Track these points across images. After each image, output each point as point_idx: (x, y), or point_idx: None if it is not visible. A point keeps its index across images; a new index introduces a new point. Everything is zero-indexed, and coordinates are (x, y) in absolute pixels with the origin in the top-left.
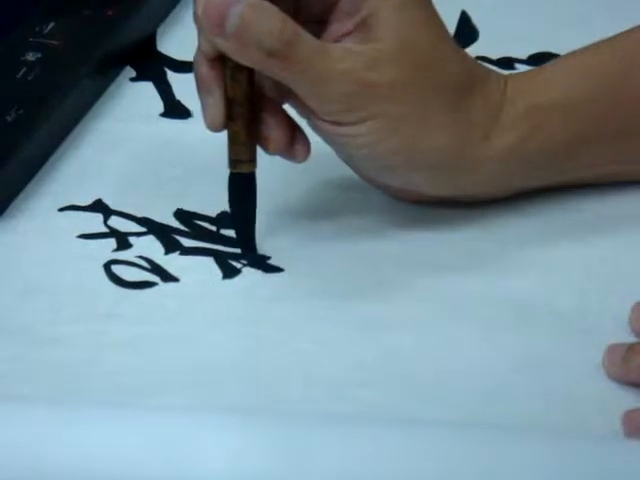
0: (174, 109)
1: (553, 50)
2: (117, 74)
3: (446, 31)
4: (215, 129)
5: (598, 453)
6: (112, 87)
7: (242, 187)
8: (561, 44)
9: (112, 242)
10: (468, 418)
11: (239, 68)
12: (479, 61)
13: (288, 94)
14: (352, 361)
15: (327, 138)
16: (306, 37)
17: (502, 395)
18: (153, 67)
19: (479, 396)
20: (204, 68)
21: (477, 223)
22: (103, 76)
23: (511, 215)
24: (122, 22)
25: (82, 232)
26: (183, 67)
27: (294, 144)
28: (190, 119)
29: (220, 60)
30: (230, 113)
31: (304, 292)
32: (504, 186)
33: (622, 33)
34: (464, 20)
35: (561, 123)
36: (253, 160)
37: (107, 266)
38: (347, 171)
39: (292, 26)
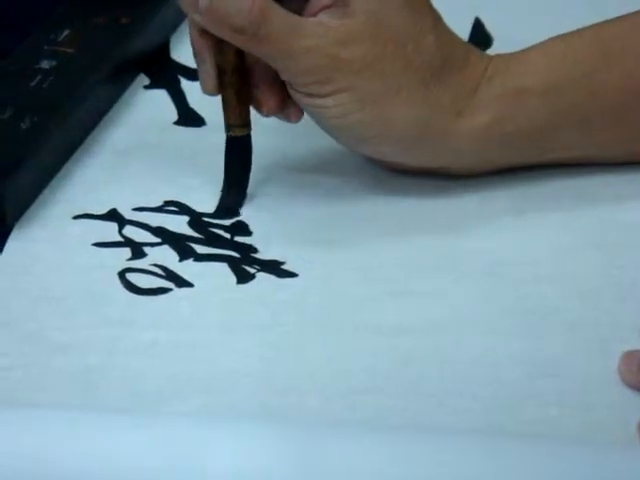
0: (188, 117)
1: None
2: (131, 82)
3: (427, 9)
4: (209, 94)
5: (613, 461)
6: (126, 95)
7: (237, 150)
8: None
9: (127, 251)
10: (481, 425)
11: (223, 40)
12: None
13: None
14: (365, 368)
15: (303, 108)
16: (277, 13)
17: (516, 402)
18: (167, 75)
19: (492, 403)
20: (196, 38)
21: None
22: (117, 84)
23: (524, 215)
24: (136, 30)
25: (96, 240)
26: (197, 75)
27: (287, 106)
28: (204, 127)
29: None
30: (221, 81)
31: (318, 297)
32: (480, 162)
33: (606, 21)
34: (478, 26)
35: (537, 107)
36: (246, 125)
37: (122, 274)
38: None
39: (261, 3)
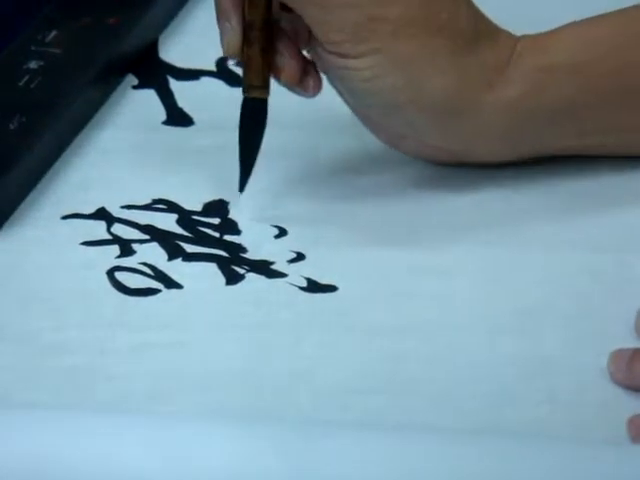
0: (176, 117)
1: None
2: (119, 82)
3: None
4: (232, 54)
5: (603, 459)
6: (114, 95)
7: (253, 113)
8: None
9: (115, 249)
10: (473, 424)
11: None
12: None
13: (300, 30)
14: (358, 367)
15: (331, 72)
16: None
17: (507, 401)
18: (155, 75)
19: (484, 402)
20: None
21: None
22: (105, 84)
23: (523, 210)
24: (124, 30)
25: (85, 240)
26: (185, 75)
27: (306, 77)
28: (192, 127)
29: None
30: (247, 38)
31: (307, 297)
32: (506, 144)
33: (634, 5)
34: None
35: (565, 84)
36: (266, 87)
37: (110, 273)
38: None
39: None
